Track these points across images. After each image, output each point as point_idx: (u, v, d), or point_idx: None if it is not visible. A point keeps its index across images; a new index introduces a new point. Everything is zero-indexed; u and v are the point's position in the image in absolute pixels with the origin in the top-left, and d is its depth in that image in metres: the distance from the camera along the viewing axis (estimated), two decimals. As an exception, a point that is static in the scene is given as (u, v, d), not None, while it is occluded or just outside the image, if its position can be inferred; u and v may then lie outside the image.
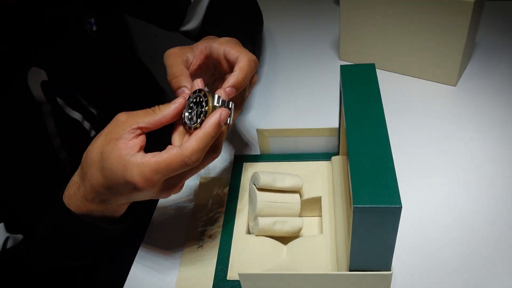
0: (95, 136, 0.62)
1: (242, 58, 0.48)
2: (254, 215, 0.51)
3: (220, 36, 0.68)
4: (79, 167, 0.45)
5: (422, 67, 0.73)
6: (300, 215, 0.52)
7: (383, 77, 0.76)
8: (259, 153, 0.60)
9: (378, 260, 0.40)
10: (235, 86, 0.46)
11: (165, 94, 0.88)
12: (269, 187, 0.51)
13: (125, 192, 0.41)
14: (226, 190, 0.58)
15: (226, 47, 0.50)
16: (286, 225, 0.50)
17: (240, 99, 0.51)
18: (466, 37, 0.65)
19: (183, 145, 0.40)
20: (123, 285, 0.52)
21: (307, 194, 0.54)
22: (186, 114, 0.43)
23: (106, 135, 0.42)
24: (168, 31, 0.75)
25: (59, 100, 0.57)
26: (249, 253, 0.49)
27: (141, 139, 0.42)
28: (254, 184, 0.51)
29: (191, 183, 0.61)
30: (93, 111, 0.62)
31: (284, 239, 0.51)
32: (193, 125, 0.42)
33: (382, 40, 0.73)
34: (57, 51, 0.56)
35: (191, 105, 0.43)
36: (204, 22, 0.72)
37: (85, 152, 0.43)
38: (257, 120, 0.71)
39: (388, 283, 0.42)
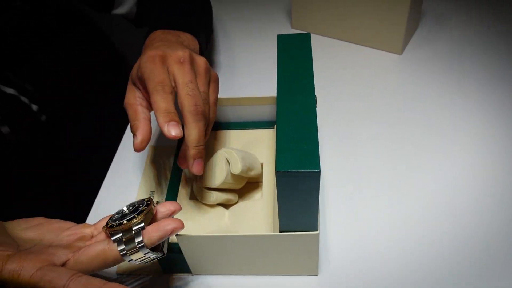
0: (37, 110, 0.62)
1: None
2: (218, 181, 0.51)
3: (164, 21, 0.62)
4: None
5: (370, 35, 0.74)
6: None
7: (332, 44, 0.77)
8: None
9: (305, 222, 0.42)
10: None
11: (127, 61, 0.86)
12: (243, 174, 0.51)
13: None
14: (172, 159, 0.59)
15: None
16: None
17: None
18: (409, 5, 0.67)
19: None
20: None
21: (251, 161, 0.56)
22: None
23: None
24: (100, 12, 0.72)
25: None
26: (191, 218, 0.51)
27: None
28: (229, 162, 0.51)
29: (140, 155, 0.62)
30: (28, 86, 0.62)
31: (227, 205, 0.54)
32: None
33: (331, 8, 0.75)
34: None
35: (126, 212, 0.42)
36: (139, 6, 0.70)
37: None
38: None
39: (316, 243, 0.44)
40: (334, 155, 0.61)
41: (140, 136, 0.45)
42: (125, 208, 0.43)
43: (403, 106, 0.66)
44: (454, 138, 0.61)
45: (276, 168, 0.37)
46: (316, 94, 0.68)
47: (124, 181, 0.60)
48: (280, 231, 0.44)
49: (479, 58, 0.72)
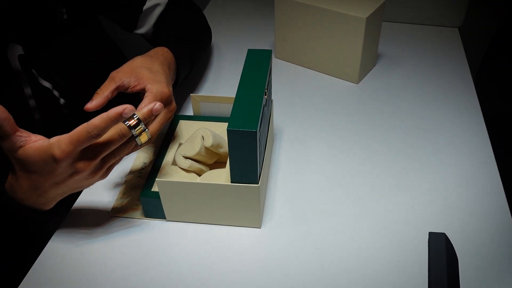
0: (64, 103, 0.78)
1: (148, 94, 0.63)
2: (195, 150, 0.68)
3: (170, 41, 0.80)
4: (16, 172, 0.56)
5: (334, 67, 0.93)
6: (217, 161, 0.71)
7: (304, 72, 0.96)
8: (192, 114, 0.79)
9: (249, 175, 0.59)
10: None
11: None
12: (213, 149, 0.68)
13: (50, 169, 0.53)
14: (159, 142, 0.76)
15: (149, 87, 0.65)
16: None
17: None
18: (362, 44, 0.86)
19: (90, 121, 0.50)
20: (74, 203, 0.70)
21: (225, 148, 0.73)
22: None
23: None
24: (126, 31, 0.90)
25: (34, 71, 0.72)
26: (171, 178, 0.68)
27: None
28: (203, 138, 0.68)
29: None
30: (61, 82, 0.75)
31: (199, 174, 0.70)
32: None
33: (305, 43, 0.94)
34: (32, 31, 0.69)
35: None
36: (155, 29, 0.88)
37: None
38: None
39: (256, 195, 0.60)
40: (289, 151, 0.78)
41: (93, 105, 0.62)
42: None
43: (354, 124, 0.83)
44: (396, 156, 0.76)
45: (228, 127, 0.54)
46: (283, 108, 0.85)
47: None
48: (231, 182, 0.60)
49: (422, 92, 0.90)
